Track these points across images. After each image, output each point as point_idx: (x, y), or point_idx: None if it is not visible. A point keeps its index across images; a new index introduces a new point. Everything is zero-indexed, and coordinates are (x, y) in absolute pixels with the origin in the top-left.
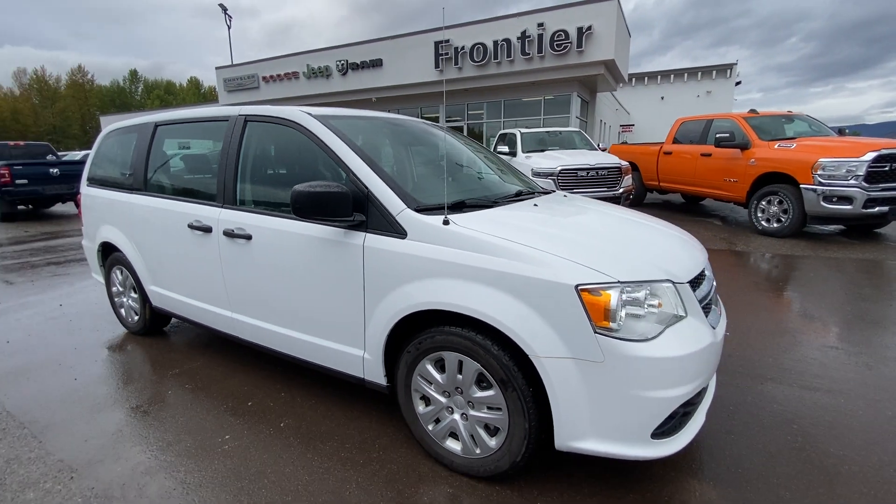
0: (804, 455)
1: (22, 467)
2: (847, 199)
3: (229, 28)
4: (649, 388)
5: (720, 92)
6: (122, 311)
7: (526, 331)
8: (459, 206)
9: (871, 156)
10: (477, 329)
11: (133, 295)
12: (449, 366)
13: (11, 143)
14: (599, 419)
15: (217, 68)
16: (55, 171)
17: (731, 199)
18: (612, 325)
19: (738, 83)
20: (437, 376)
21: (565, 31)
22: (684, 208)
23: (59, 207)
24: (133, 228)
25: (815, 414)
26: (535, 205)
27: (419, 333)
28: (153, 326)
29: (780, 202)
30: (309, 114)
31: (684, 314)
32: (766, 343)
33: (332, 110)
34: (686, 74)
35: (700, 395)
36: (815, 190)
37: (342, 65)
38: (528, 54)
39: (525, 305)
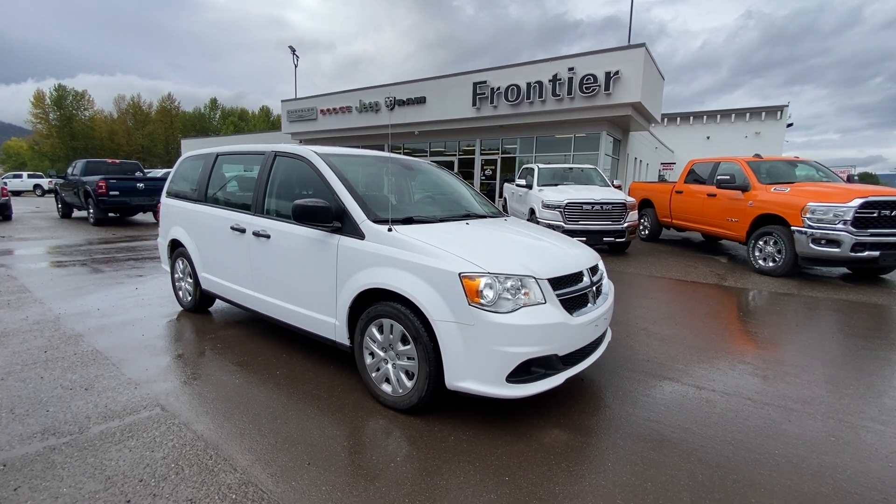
0: (652, 425)
1: (106, 380)
2: (835, 242)
3: (296, 66)
4: (502, 344)
5: (769, 133)
6: (180, 293)
7: (428, 302)
8: (408, 220)
9: (857, 202)
10: (401, 302)
11: (189, 280)
12: (385, 328)
13: (109, 160)
14: (472, 365)
15: (282, 101)
16: (141, 185)
17: (734, 238)
18: (481, 300)
19: (789, 125)
20: (378, 336)
21: (594, 75)
22: (700, 246)
23: (140, 216)
24: (194, 229)
25: (688, 403)
26: (467, 223)
27: (368, 306)
28: (201, 305)
29: (775, 242)
30: (316, 152)
31: (544, 301)
32: (687, 355)
33: (336, 150)
34: (733, 115)
35: (556, 363)
36: (804, 232)
37: (390, 101)
38: (559, 95)
39: (429, 286)
